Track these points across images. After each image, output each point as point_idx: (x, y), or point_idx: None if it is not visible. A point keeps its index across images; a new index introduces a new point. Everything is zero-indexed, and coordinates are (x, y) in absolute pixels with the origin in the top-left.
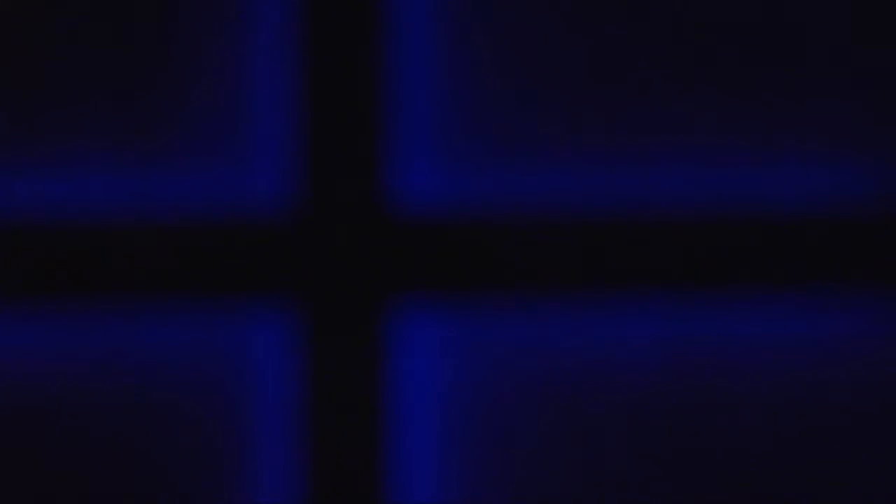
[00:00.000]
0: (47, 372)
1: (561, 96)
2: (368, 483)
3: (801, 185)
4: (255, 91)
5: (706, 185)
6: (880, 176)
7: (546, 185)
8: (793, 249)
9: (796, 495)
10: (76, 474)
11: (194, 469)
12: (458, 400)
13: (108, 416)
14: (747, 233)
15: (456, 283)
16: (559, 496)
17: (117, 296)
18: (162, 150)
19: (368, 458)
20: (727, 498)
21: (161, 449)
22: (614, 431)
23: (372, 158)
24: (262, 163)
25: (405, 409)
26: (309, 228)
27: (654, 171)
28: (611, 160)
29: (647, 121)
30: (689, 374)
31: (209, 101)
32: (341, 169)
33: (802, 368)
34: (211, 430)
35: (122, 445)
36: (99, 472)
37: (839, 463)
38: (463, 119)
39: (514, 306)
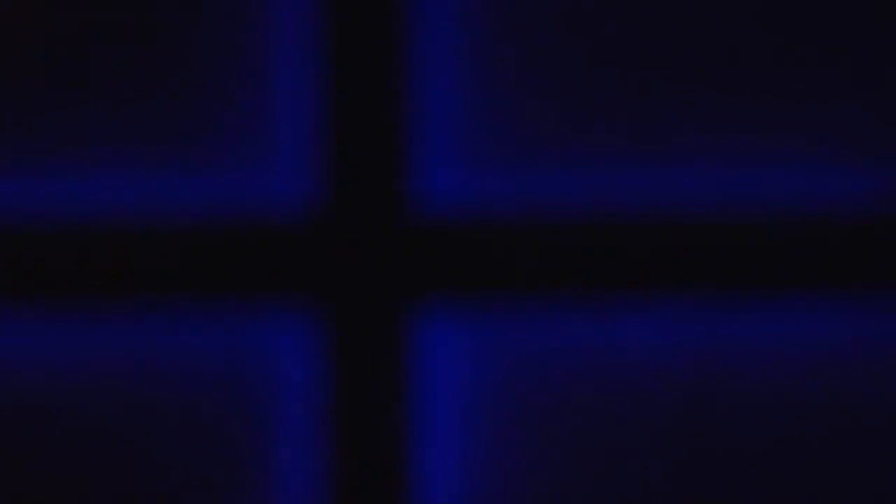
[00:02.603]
0: (68, 374)
1: (583, 100)
2: (393, 486)
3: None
4: (278, 93)
5: (723, 187)
6: (880, 176)
7: (569, 187)
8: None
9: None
10: (96, 477)
11: (217, 472)
12: (481, 402)
13: (129, 420)
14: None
15: (479, 286)
16: (583, 499)
17: (139, 298)
18: (184, 151)
19: (392, 460)
20: (738, 498)
21: (183, 452)
22: (637, 434)
23: (395, 161)
24: (284, 165)
25: (428, 411)
26: (331, 231)
27: (676, 173)
28: (634, 163)
29: (666, 124)
30: (717, 377)
31: (231, 102)
32: (364, 171)
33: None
34: (233, 434)
35: (144, 448)
36: (120, 475)
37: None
38: (485, 121)
39: (537, 308)
